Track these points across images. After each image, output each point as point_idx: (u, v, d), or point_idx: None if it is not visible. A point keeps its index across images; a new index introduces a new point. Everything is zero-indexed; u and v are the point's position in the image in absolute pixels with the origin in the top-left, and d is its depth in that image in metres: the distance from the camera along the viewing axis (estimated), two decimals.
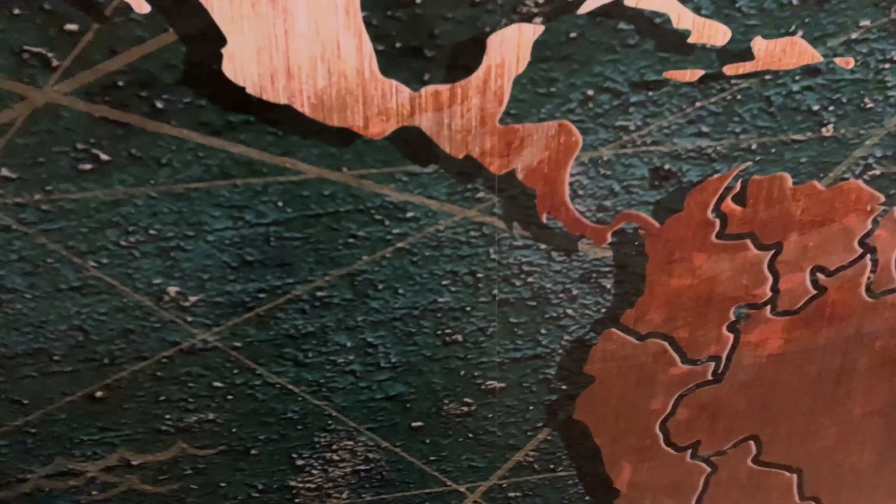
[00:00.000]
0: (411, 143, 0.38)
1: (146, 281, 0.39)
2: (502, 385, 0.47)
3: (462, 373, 0.46)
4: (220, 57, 0.34)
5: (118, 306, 0.40)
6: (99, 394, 0.43)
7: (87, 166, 0.36)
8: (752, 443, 0.53)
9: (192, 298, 0.40)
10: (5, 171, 0.35)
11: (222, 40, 0.33)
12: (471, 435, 0.49)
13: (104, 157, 0.35)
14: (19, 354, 0.40)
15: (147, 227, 0.38)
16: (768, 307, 0.47)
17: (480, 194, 0.40)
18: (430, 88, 0.36)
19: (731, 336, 0.48)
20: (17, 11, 0.32)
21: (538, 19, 0.35)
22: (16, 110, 0.34)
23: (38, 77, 0.33)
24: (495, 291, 0.44)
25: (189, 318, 0.41)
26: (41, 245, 0.37)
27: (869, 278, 0.47)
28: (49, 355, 0.41)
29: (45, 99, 0.34)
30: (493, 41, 0.36)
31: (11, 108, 0.34)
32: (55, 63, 0.33)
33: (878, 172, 0.44)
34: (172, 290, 0.40)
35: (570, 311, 0.45)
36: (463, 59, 0.36)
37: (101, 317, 0.40)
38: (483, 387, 0.47)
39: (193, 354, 0.42)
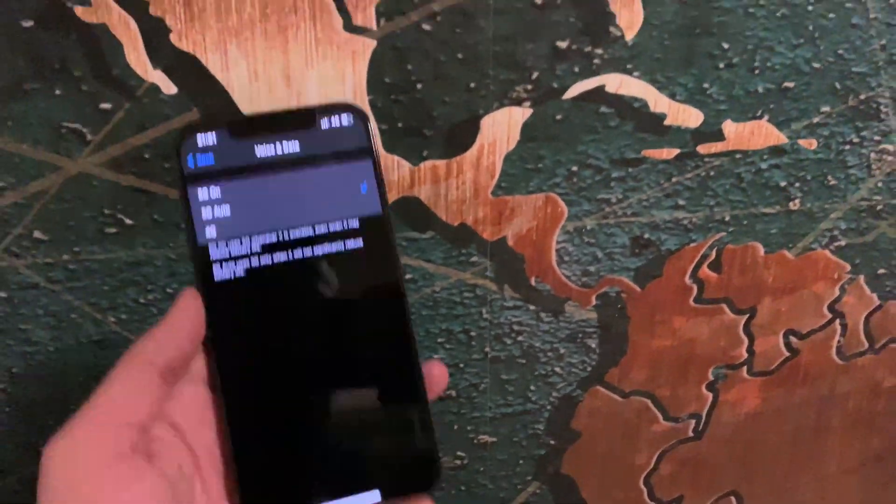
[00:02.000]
0: (411, 212, 0.41)
1: None
2: (494, 439, 0.49)
3: (455, 427, 0.48)
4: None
5: None
6: None
7: (113, 230, 0.39)
8: (732, 498, 0.55)
9: None
10: (38, 234, 0.38)
11: None
12: (463, 487, 0.51)
13: (129, 221, 0.38)
14: (39, 403, 0.43)
15: (165, 285, 0.40)
16: (745, 368, 0.49)
17: (474, 259, 0.43)
18: (429, 163, 0.40)
19: (711, 395, 0.50)
20: (58, 92, 0.35)
21: (527, 103, 0.39)
22: (51, 179, 0.37)
23: (73, 149, 0.36)
24: (487, 349, 0.46)
25: None
26: (66, 301, 0.40)
27: (839, 341, 0.50)
28: (67, 405, 0.43)
29: (78, 169, 0.37)
30: (486, 122, 0.39)
31: (47, 178, 0.37)
32: (89, 137, 0.36)
33: (843, 243, 0.47)
34: None
35: (557, 369, 0.48)
36: (459, 137, 0.39)
37: None
38: (476, 441, 0.49)
39: None
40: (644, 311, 0.46)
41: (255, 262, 0.27)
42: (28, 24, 0.33)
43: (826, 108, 0.42)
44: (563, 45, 0.38)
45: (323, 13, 0.35)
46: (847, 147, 0.44)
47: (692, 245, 0.45)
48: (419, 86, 0.37)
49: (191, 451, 0.27)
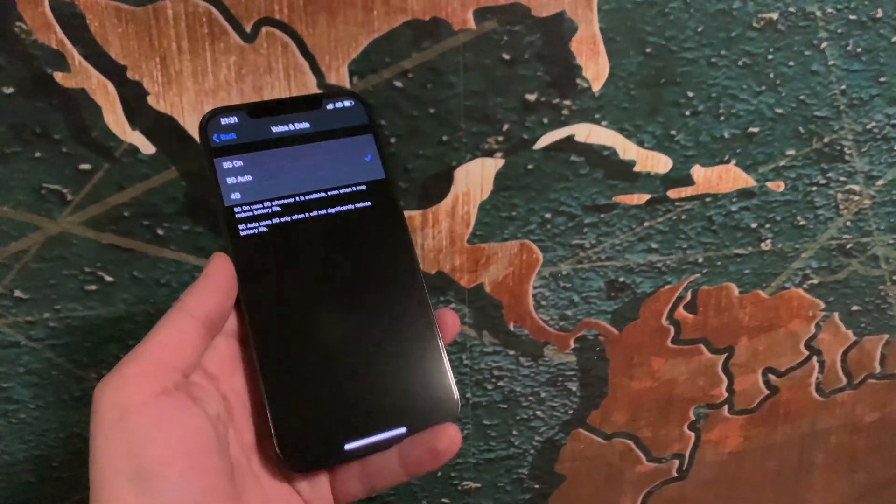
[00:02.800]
0: None
1: None
2: (478, 485, 0.49)
3: (439, 474, 0.48)
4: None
5: None
6: None
7: (93, 287, 0.39)
8: None
9: None
10: (18, 293, 0.39)
11: None
12: None
13: (109, 278, 0.39)
14: (20, 461, 0.43)
15: None
16: (726, 406, 0.50)
17: (452, 305, 0.43)
18: (406, 213, 0.40)
19: (693, 434, 0.50)
20: (38, 154, 0.36)
21: (499, 154, 0.40)
22: (31, 239, 0.38)
23: (53, 210, 0.37)
24: (468, 395, 0.46)
25: None
26: (47, 359, 0.40)
27: (818, 378, 0.50)
28: (48, 462, 0.43)
29: (58, 229, 0.38)
30: (460, 173, 0.40)
31: (28, 237, 0.38)
32: (69, 198, 0.37)
33: (815, 282, 0.48)
34: None
35: (539, 413, 0.48)
36: (433, 189, 0.40)
37: None
38: (460, 487, 0.49)
39: None
40: (623, 353, 0.46)
41: (275, 220, 0.31)
42: (9, 90, 0.34)
43: (791, 152, 0.43)
44: (531, 97, 0.39)
45: (297, 73, 0.36)
46: (814, 188, 0.45)
47: (667, 287, 0.45)
48: (393, 140, 0.38)
49: (225, 398, 0.28)
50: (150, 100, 0.35)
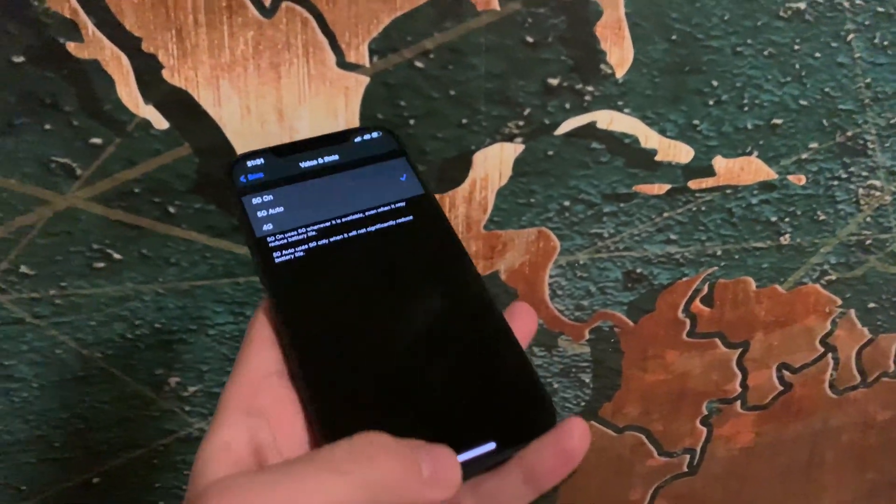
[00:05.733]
0: None
1: (148, 371, 0.41)
2: None
3: None
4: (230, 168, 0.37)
5: (119, 395, 0.42)
6: (95, 480, 0.44)
7: (101, 264, 0.38)
8: None
9: (192, 389, 0.42)
10: (24, 269, 0.38)
11: (233, 153, 0.37)
12: None
13: (117, 256, 0.38)
14: (21, 441, 0.42)
15: (153, 321, 0.40)
16: (738, 402, 0.49)
17: None
18: None
19: (705, 429, 0.50)
20: (48, 127, 0.35)
21: (519, 139, 0.39)
22: (38, 213, 0.37)
23: (61, 184, 0.36)
24: None
25: (187, 408, 0.43)
26: (51, 337, 0.39)
27: (832, 375, 0.50)
28: (49, 442, 0.42)
29: (66, 204, 0.37)
30: (479, 158, 0.39)
31: (34, 212, 0.37)
32: (79, 172, 0.36)
33: (833, 277, 0.47)
34: (173, 380, 0.42)
35: None
36: (451, 172, 0.39)
37: (102, 405, 0.42)
38: None
39: (189, 442, 0.44)
40: (637, 345, 0.46)
41: (312, 244, 0.29)
42: (19, 59, 0.33)
43: (814, 145, 0.43)
44: (554, 82, 0.38)
45: (316, 50, 0.35)
46: (835, 183, 0.44)
47: (684, 279, 0.45)
48: (411, 122, 0.38)
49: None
50: (165, 73, 0.35)
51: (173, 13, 0.34)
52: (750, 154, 0.42)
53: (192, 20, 0.34)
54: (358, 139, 0.32)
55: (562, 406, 0.47)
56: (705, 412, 0.49)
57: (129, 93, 0.35)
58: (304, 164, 0.31)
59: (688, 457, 0.50)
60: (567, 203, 0.41)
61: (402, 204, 0.30)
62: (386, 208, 0.30)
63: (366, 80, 0.36)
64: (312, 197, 0.30)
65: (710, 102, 0.40)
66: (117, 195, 0.37)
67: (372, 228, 0.29)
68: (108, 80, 0.34)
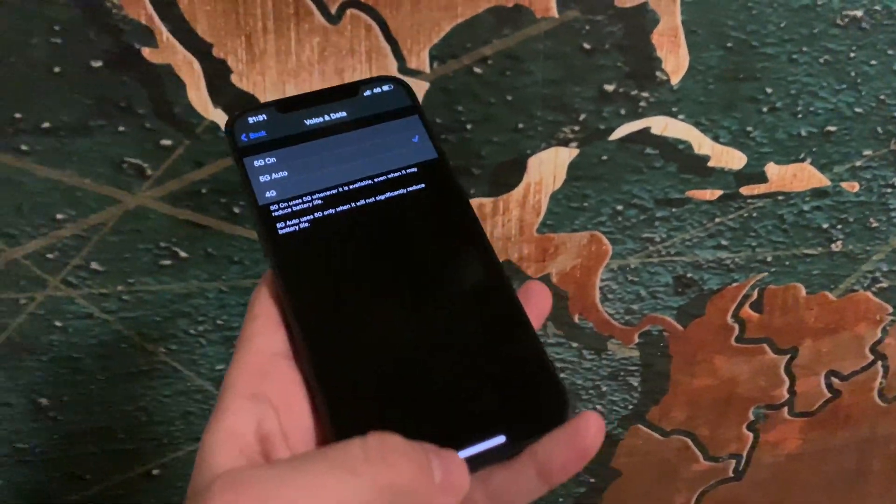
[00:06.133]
0: None
1: (209, 366, 0.43)
2: None
3: None
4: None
5: (181, 389, 0.43)
6: (155, 472, 0.45)
7: (167, 262, 0.39)
8: None
9: None
10: (94, 265, 0.39)
11: None
12: None
13: (183, 254, 0.39)
14: (85, 432, 0.43)
15: (215, 317, 0.41)
16: (786, 408, 0.49)
17: None
18: (476, 201, 0.40)
19: (751, 435, 0.50)
20: (121, 129, 0.36)
21: (573, 144, 0.40)
22: (110, 212, 0.38)
23: (132, 184, 0.38)
24: None
25: None
26: (118, 331, 0.41)
27: (881, 383, 0.50)
28: (113, 434, 0.43)
29: (136, 203, 0.38)
30: (533, 162, 0.40)
31: (106, 210, 0.38)
32: (149, 172, 0.37)
33: (884, 285, 0.47)
34: None
35: (599, 407, 0.48)
36: (505, 176, 0.40)
37: (165, 399, 0.43)
38: None
39: None
40: (686, 349, 0.46)
41: (318, 213, 0.27)
42: (97, 64, 0.35)
43: (868, 152, 0.43)
44: (610, 88, 0.39)
45: (379, 56, 0.36)
46: (889, 190, 0.44)
47: (734, 285, 0.45)
48: (468, 126, 0.38)
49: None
50: (234, 78, 0.36)
51: (243, 20, 0.35)
52: (803, 161, 0.42)
53: (262, 26, 0.35)
54: (368, 92, 0.29)
55: (610, 409, 0.48)
56: (752, 418, 0.49)
57: (199, 96, 0.36)
58: (309, 122, 0.29)
59: (733, 462, 0.50)
60: (620, 207, 0.42)
61: (415, 169, 0.28)
62: (397, 174, 0.28)
63: (426, 85, 0.37)
64: (318, 160, 0.28)
65: (764, 109, 0.40)
66: (185, 195, 0.38)
67: (381, 197, 0.28)
68: (180, 84, 0.35)
